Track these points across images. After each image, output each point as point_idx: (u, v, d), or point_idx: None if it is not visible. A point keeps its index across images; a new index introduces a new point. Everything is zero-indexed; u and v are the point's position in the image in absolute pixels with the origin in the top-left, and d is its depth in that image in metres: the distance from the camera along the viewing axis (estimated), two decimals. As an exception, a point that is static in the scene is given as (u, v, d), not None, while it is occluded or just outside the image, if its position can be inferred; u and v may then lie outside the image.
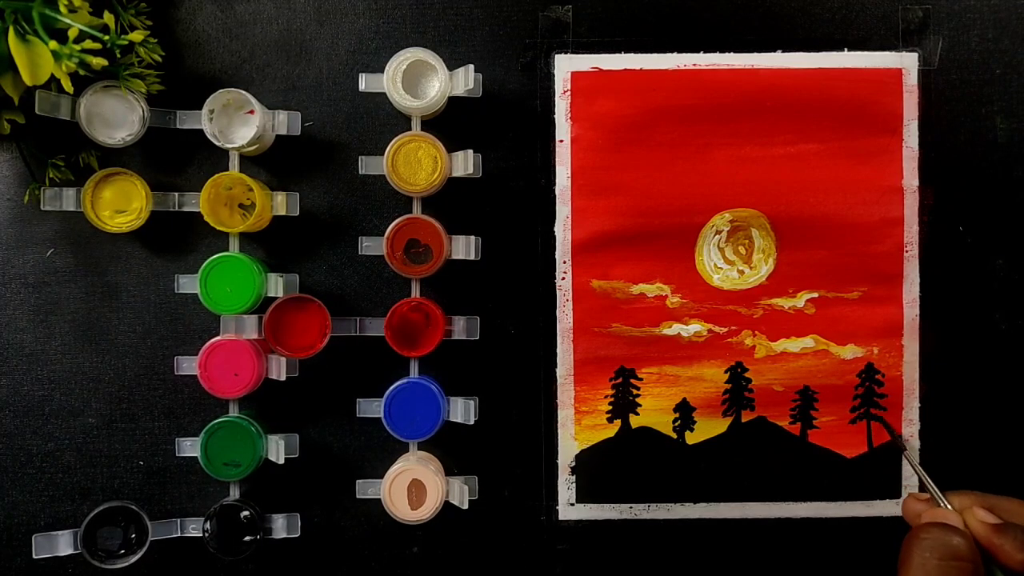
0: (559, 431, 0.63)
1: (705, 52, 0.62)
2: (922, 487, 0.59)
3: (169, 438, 0.62)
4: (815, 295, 0.63)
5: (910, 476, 0.63)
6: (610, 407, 0.63)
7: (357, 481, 0.61)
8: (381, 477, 0.60)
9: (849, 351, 0.63)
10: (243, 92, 0.59)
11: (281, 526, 0.61)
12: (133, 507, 0.59)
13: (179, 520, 0.61)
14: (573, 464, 0.63)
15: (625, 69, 0.62)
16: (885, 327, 0.62)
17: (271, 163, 0.63)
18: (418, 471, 0.60)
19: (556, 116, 0.62)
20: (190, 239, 0.62)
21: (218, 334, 0.61)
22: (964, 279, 0.63)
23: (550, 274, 0.63)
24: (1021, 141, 0.63)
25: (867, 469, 0.63)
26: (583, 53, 0.62)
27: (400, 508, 0.60)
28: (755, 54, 0.62)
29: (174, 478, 0.63)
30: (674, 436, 0.63)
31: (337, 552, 0.63)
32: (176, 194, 0.61)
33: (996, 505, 0.53)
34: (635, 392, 0.63)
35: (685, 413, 0.63)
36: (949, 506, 0.55)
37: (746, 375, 0.63)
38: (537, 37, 0.62)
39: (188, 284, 0.60)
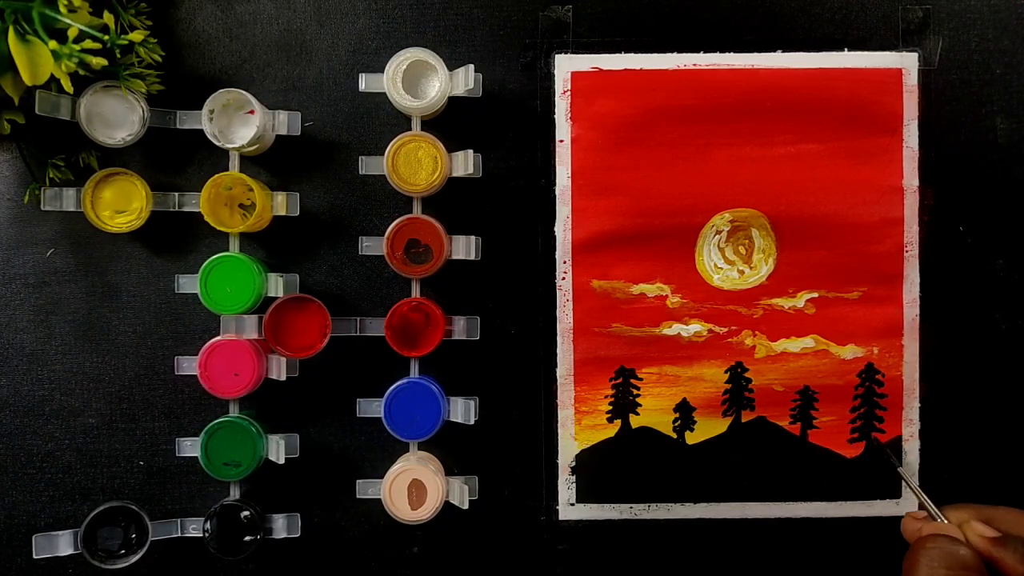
0: (559, 431, 0.63)
1: (705, 52, 0.62)
2: (920, 505, 0.59)
3: (169, 438, 0.62)
4: (815, 295, 0.63)
5: (911, 476, 0.63)
6: (610, 407, 0.63)
7: (357, 481, 0.61)
8: (381, 477, 0.60)
9: (849, 351, 0.63)
10: (243, 92, 0.59)
11: (281, 526, 0.61)
12: (133, 507, 0.59)
13: (179, 520, 0.61)
14: (573, 464, 0.63)
15: (625, 69, 0.62)
16: (885, 327, 0.62)
17: (271, 163, 0.63)
18: (418, 471, 0.60)
19: (556, 116, 0.62)
20: (190, 239, 0.62)
21: (218, 334, 0.61)
22: (964, 279, 0.63)
23: (550, 274, 0.63)
24: (1021, 141, 0.63)
25: (867, 469, 0.63)
26: (583, 53, 0.62)
27: (400, 508, 0.60)
28: (755, 54, 0.62)
29: (174, 478, 0.63)
30: (674, 436, 0.63)
31: (337, 552, 0.63)
32: (176, 194, 0.61)
33: (993, 516, 0.53)
34: (635, 392, 0.63)
35: (685, 413, 0.63)
36: (946, 521, 0.54)
37: (746, 375, 0.63)
38: (537, 37, 0.62)
39: (188, 284, 0.60)
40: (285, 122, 0.61)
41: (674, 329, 0.63)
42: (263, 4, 0.63)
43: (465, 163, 0.60)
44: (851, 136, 0.62)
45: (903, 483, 0.62)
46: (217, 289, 0.59)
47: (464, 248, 0.61)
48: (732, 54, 0.62)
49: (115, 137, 0.59)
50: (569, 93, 0.62)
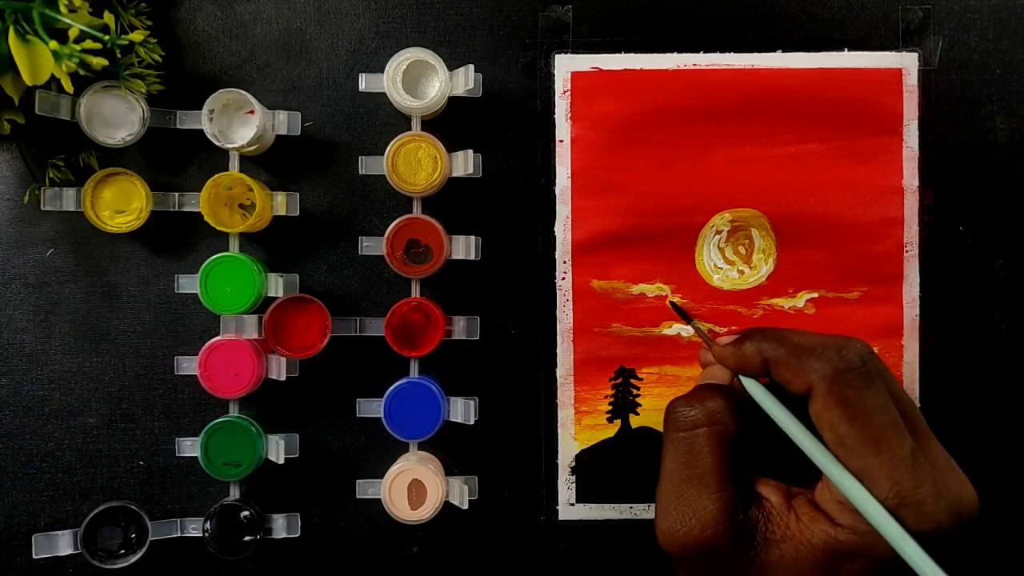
0: (559, 431, 0.63)
1: (705, 52, 0.62)
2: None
3: (169, 438, 0.62)
4: (815, 295, 0.63)
5: (699, 325, 0.61)
6: (610, 407, 0.63)
7: (357, 481, 0.61)
8: (381, 477, 0.60)
9: (849, 351, 0.62)
10: (243, 92, 0.59)
11: (281, 526, 0.61)
12: (133, 507, 0.59)
13: (179, 520, 0.61)
14: (573, 464, 0.63)
15: (625, 69, 0.62)
16: (885, 327, 0.62)
17: (271, 163, 0.63)
18: (418, 471, 0.60)
19: (556, 116, 0.62)
20: (190, 239, 0.62)
21: (218, 334, 0.61)
22: (964, 279, 0.63)
23: (550, 274, 0.63)
24: (1021, 141, 0.63)
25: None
26: (583, 53, 0.62)
27: (400, 508, 0.60)
28: (755, 54, 0.62)
29: (174, 478, 0.63)
30: (674, 436, 0.63)
31: (337, 552, 0.63)
32: (176, 194, 0.61)
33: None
34: (635, 392, 0.63)
35: (685, 413, 0.63)
36: (712, 344, 0.53)
37: (746, 375, 0.63)
38: (537, 37, 0.62)
39: (188, 284, 0.60)
40: (285, 122, 0.61)
41: (674, 329, 0.63)
42: (263, 4, 0.63)
43: (465, 163, 0.60)
44: (851, 136, 0.62)
45: (691, 326, 0.60)
46: (217, 289, 0.59)
47: (464, 248, 0.61)
48: (732, 54, 0.62)
49: (115, 137, 0.59)
50: (569, 93, 0.62)
